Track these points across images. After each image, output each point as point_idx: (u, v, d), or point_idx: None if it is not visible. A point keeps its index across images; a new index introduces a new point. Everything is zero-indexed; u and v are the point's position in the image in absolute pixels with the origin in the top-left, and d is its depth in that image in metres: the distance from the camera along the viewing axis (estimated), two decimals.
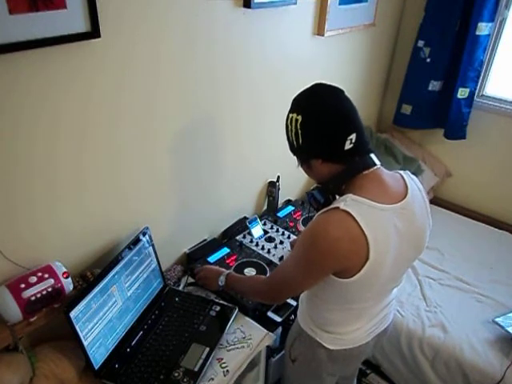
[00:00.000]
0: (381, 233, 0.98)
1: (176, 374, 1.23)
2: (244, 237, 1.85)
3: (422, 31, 2.39)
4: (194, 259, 1.70)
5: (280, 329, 1.53)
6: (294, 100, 1.08)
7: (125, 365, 1.26)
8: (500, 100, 2.42)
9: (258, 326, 1.45)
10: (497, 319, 1.81)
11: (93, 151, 1.24)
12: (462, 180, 2.69)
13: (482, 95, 2.49)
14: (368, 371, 2.00)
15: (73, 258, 1.31)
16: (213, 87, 1.55)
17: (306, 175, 1.15)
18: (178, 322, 1.41)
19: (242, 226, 1.90)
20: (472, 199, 2.67)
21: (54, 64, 1.06)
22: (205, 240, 1.84)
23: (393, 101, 2.71)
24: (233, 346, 1.36)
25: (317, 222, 1.01)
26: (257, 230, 1.87)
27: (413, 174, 1.17)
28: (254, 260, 1.70)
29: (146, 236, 1.44)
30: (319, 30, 1.92)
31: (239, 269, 1.64)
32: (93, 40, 1.10)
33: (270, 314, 1.54)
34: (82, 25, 1.05)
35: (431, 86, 2.45)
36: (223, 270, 1.44)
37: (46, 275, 1.14)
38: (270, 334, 1.44)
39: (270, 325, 1.49)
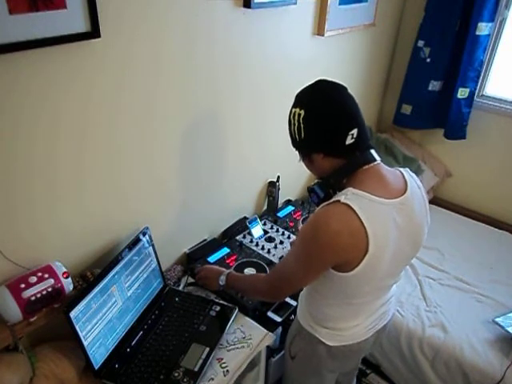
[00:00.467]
0: (380, 227, 1.00)
1: (176, 374, 1.23)
2: (244, 237, 1.85)
3: (422, 31, 2.39)
4: (193, 259, 1.70)
5: (280, 329, 1.53)
6: (297, 95, 1.10)
7: (125, 365, 1.26)
8: (500, 100, 2.42)
9: (258, 326, 1.45)
10: (497, 319, 1.81)
11: (93, 151, 1.24)
12: (461, 180, 2.68)
13: (482, 95, 2.49)
14: (368, 371, 2.00)
15: (73, 258, 1.31)
16: (213, 87, 1.55)
17: (305, 175, 1.15)
18: (178, 322, 1.41)
19: (241, 226, 1.90)
20: (472, 199, 2.67)
21: (54, 64, 1.06)
22: (205, 240, 1.84)
23: (393, 101, 2.71)
24: (233, 346, 1.36)
25: (317, 216, 1.02)
26: (257, 230, 1.87)
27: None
28: (254, 260, 1.70)
29: (146, 236, 1.44)
30: (319, 30, 1.92)
31: (239, 269, 1.64)
32: (93, 40, 1.10)
33: (269, 313, 1.54)
34: (81, 25, 1.05)
35: (431, 86, 2.45)
36: (223, 269, 1.44)
37: (46, 275, 1.14)
38: (270, 334, 1.44)
39: (270, 325, 1.49)
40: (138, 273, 1.39)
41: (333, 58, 2.14)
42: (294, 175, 2.16)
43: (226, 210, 1.90)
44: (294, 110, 1.07)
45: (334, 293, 1.14)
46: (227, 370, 1.29)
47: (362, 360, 1.85)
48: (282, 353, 1.56)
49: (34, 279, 1.11)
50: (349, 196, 0.99)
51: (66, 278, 1.17)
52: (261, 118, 1.85)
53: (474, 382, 1.68)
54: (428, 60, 2.40)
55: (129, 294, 1.35)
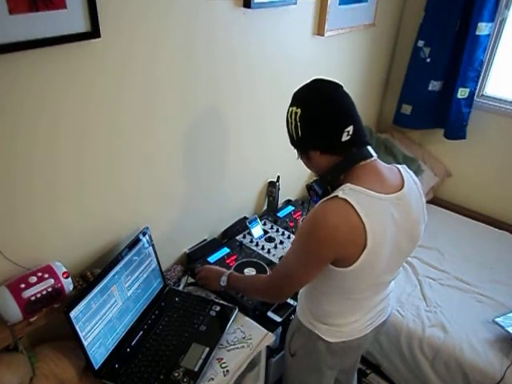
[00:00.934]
0: (378, 221, 1.01)
1: (176, 374, 1.23)
2: (244, 237, 1.85)
3: (422, 31, 2.39)
4: (194, 259, 1.70)
5: (280, 329, 1.53)
6: (294, 94, 1.12)
7: (125, 365, 1.26)
8: (500, 100, 2.42)
9: (258, 326, 1.45)
10: (497, 319, 1.81)
11: (93, 151, 1.24)
12: (461, 180, 2.68)
13: (482, 95, 2.49)
14: (368, 371, 2.00)
15: (73, 258, 1.31)
16: (213, 87, 1.55)
17: (306, 175, 1.16)
18: (178, 322, 1.41)
19: (242, 225, 1.90)
20: (472, 199, 2.67)
21: (54, 64, 1.06)
22: (205, 240, 1.84)
23: (393, 101, 2.70)
24: (233, 346, 1.36)
25: (316, 211, 1.03)
26: (257, 230, 1.87)
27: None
28: (254, 260, 1.70)
29: (146, 236, 1.44)
30: (319, 30, 1.92)
31: (239, 269, 1.64)
32: (93, 40, 1.10)
33: (270, 313, 1.54)
34: (81, 25, 1.05)
35: (431, 86, 2.45)
36: (224, 270, 1.44)
37: (46, 275, 1.14)
38: (270, 333, 1.44)
39: (270, 325, 1.49)
40: (138, 273, 1.39)
41: (333, 58, 2.14)
42: (294, 175, 2.16)
43: (226, 210, 1.90)
44: (291, 109, 1.09)
45: (332, 289, 1.15)
46: (227, 370, 1.29)
47: (362, 360, 1.85)
48: (282, 353, 1.56)
49: (34, 279, 1.11)
50: (346, 191, 1.00)
51: (66, 278, 1.17)
52: (261, 118, 1.85)
53: (474, 382, 1.68)
54: (428, 60, 2.40)
55: (129, 294, 1.35)
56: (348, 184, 1.02)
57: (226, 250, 1.74)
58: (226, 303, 1.50)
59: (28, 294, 1.09)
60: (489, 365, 1.67)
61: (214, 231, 1.89)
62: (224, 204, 1.87)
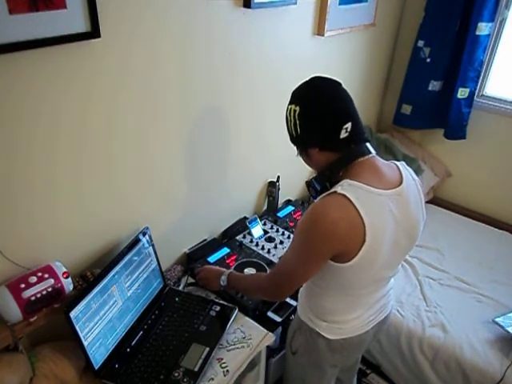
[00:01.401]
0: (377, 217, 1.01)
1: (176, 374, 1.23)
2: (244, 237, 1.85)
3: (422, 31, 2.39)
4: (194, 259, 1.70)
5: (280, 329, 1.53)
6: (293, 92, 1.13)
7: (125, 365, 1.26)
8: (500, 100, 2.42)
9: (258, 326, 1.45)
10: (497, 319, 1.81)
11: (93, 151, 1.24)
12: (461, 180, 2.68)
13: (482, 95, 2.49)
14: (368, 371, 2.00)
15: (73, 257, 1.31)
16: (213, 87, 1.55)
17: (306, 175, 1.16)
18: (178, 322, 1.41)
19: (242, 225, 1.90)
20: (472, 199, 2.67)
21: (54, 64, 1.06)
22: (205, 240, 1.84)
23: (393, 101, 2.70)
24: (233, 346, 1.36)
25: (315, 207, 1.04)
26: (257, 230, 1.87)
27: None
28: (254, 260, 1.70)
29: (146, 236, 1.44)
30: (319, 30, 1.92)
31: (239, 269, 1.64)
32: (93, 40, 1.10)
33: (270, 313, 1.54)
34: (81, 25, 1.05)
35: (431, 85, 2.45)
36: (224, 269, 1.44)
37: (46, 275, 1.14)
38: (270, 333, 1.44)
39: (270, 325, 1.49)
40: (138, 273, 1.39)
41: (333, 58, 2.14)
42: (294, 175, 2.16)
43: (226, 210, 1.90)
44: (290, 107, 1.10)
45: (332, 285, 1.15)
46: (227, 370, 1.29)
47: (362, 360, 1.85)
48: (282, 353, 1.56)
49: (34, 279, 1.11)
50: (345, 187, 1.00)
51: (66, 278, 1.17)
52: (261, 118, 1.85)
53: (474, 382, 1.68)
54: (428, 60, 2.40)
55: (129, 294, 1.35)
56: (347, 180, 1.02)
57: (225, 250, 1.74)
58: (226, 303, 1.50)
59: (28, 294, 1.09)
60: (489, 365, 1.67)
61: (213, 231, 1.89)
62: (224, 204, 1.87)
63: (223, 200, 1.85)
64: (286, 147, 1.19)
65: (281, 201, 2.15)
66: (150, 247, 1.46)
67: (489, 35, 2.26)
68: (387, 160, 1.16)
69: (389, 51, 2.64)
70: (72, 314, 1.12)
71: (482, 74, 2.39)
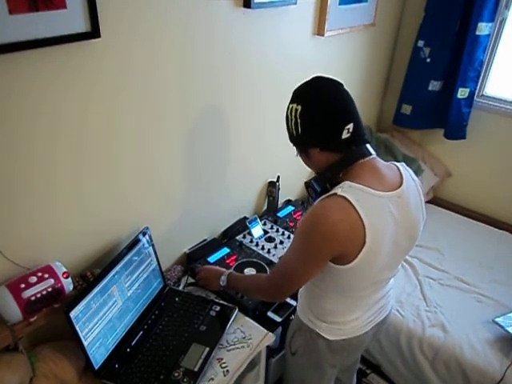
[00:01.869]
0: (377, 219, 1.01)
1: (176, 374, 1.23)
2: (244, 237, 1.85)
3: (422, 31, 2.39)
4: (194, 259, 1.70)
5: (280, 329, 1.53)
6: (295, 91, 1.12)
7: (125, 365, 1.26)
8: (500, 100, 2.42)
9: (258, 326, 1.45)
10: (497, 319, 1.81)
11: (93, 151, 1.24)
12: (461, 180, 2.68)
13: (482, 95, 2.49)
14: (368, 371, 2.00)
15: (73, 257, 1.31)
16: (212, 87, 1.55)
17: (306, 175, 1.16)
18: (178, 322, 1.41)
19: (242, 225, 1.90)
20: (472, 199, 2.67)
21: (54, 64, 1.06)
22: (205, 240, 1.84)
23: (393, 101, 2.70)
24: (233, 346, 1.36)
25: (315, 209, 1.03)
26: (257, 230, 1.87)
27: None
28: (254, 260, 1.70)
29: (146, 236, 1.44)
30: (319, 29, 1.92)
31: (239, 269, 1.64)
32: (93, 40, 1.10)
33: (269, 313, 1.54)
34: (81, 25, 1.05)
35: (431, 85, 2.45)
36: (223, 269, 1.44)
37: (46, 275, 1.14)
38: (270, 333, 1.44)
39: (270, 325, 1.49)
40: (138, 273, 1.39)
41: (333, 58, 2.14)
42: (294, 175, 2.16)
43: (226, 210, 1.90)
44: (291, 106, 1.09)
45: (332, 286, 1.15)
46: (227, 370, 1.29)
47: (362, 360, 1.85)
48: (282, 353, 1.56)
49: (34, 279, 1.11)
50: (345, 189, 1.00)
51: (66, 278, 1.17)
52: (261, 118, 1.85)
53: (474, 382, 1.68)
54: (428, 60, 2.40)
55: (129, 294, 1.35)
56: (347, 181, 1.02)
57: (226, 250, 1.74)
58: (226, 303, 1.50)
59: (28, 294, 1.09)
60: (489, 365, 1.67)
61: (213, 231, 1.89)
62: (224, 204, 1.87)
63: (223, 200, 1.85)
64: (285, 147, 1.19)
65: (281, 201, 2.15)
66: (150, 247, 1.46)
67: (489, 35, 2.26)
68: (387, 160, 1.16)
69: (389, 51, 2.65)
70: (72, 314, 1.12)
71: (482, 74, 2.39)
